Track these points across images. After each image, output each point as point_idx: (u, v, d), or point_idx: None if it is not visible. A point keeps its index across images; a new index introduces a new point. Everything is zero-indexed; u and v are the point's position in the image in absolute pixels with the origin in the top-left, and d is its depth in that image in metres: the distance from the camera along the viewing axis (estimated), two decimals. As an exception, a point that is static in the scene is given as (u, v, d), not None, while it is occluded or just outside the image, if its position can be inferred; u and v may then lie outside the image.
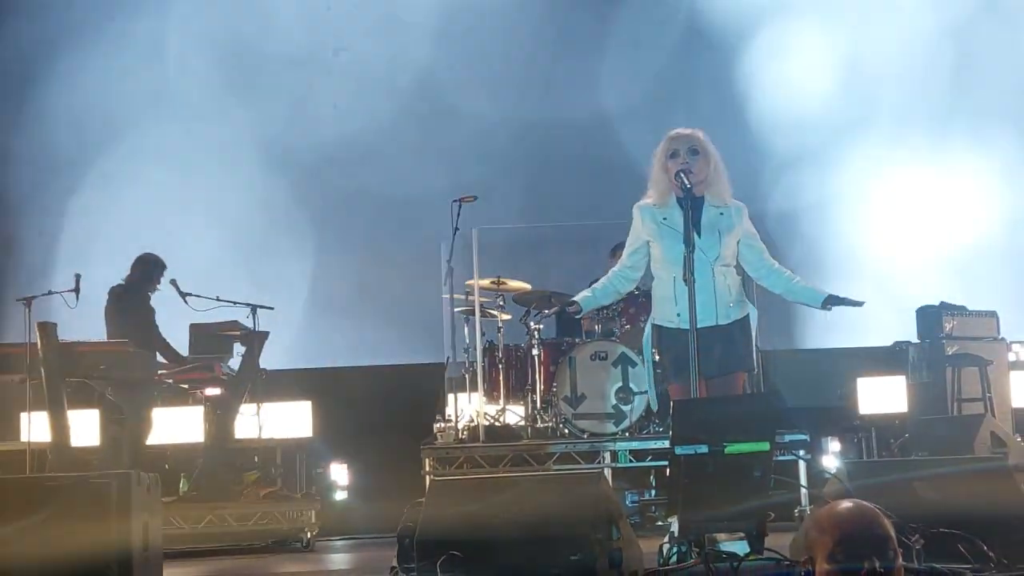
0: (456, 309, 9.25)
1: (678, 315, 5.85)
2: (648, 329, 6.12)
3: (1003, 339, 9.72)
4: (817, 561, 3.34)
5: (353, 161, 11.74)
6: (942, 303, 9.76)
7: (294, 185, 11.62)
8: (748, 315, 6.04)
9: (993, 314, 9.76)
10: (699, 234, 5.85)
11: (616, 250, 9.58)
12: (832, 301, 5.98)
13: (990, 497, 5.12)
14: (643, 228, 6.02)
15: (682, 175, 5.81)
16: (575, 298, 6.29)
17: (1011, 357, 9.82)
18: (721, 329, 5.88)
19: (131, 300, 9.08)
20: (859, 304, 5.94)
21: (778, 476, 5.50)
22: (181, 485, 9.03)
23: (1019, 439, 8.95)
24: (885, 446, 9.76)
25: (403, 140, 11.75)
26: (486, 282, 9.30)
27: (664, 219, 5.94)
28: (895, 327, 10.52)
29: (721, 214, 5.96)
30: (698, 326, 5.73)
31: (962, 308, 9.72)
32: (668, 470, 5.23)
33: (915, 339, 9.84)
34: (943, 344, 9.45)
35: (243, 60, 11.80)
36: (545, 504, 5.07)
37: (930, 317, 9.68)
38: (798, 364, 10.76)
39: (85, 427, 8.63)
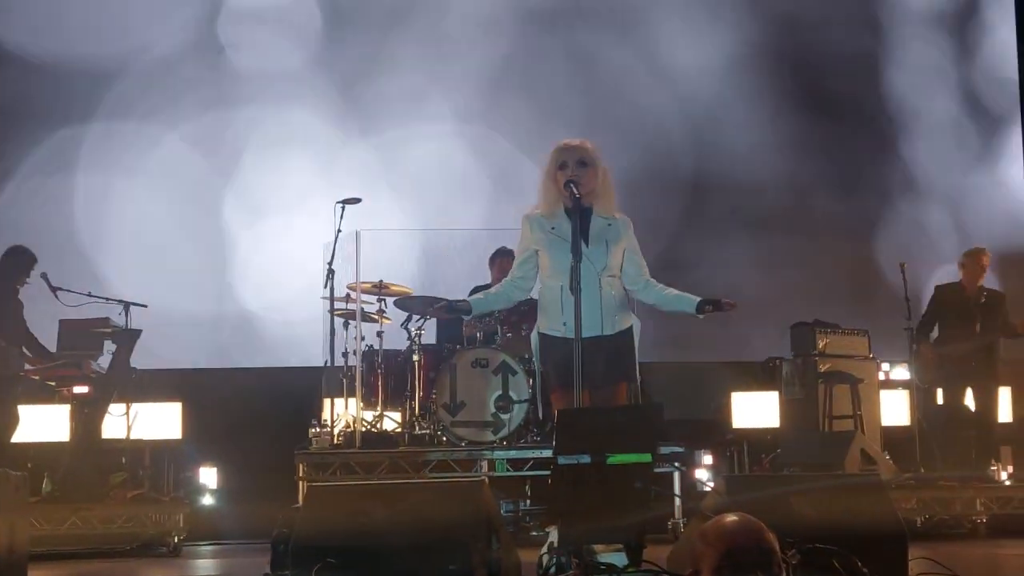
0: (336, 312, 9.13)
1: (564, 324, 5.85)
2: (535, 337, 6.10)
3: (874, 358, 9.92)
4: (703, 573, 3.35)
5: (231, 156, 11.54)
6: (816, 320, 9.93)
7: (177, 177, 11.36)
8: (631, 326, 6.06)
9: (865, 333, 9.96)
10: (587, 244, 5.86)
11: (496, 257, 9.62)
12: (705, 303, 6.00)
13: (864, 513, 5.19)
14: (531, 237, 6.01)
15: (572, 185, 5.81)
16: (467, 299, 6.26)
17: (881, 376, 10.03)
18: (606, 339, 5.88)
19: (-1, 292, 8.81)
20: (732, 306, 5.96)
21: (656, 488, 5.51)
22: (44, 485, 8.75)
23: (887, 456, 9.15)
24: (756, 460, 9.91)
25: (290, 138, 11.58)
26: (368, 285, 9.21)
27: (552, 228, 5.95)
28: (769, 343, 10.69)
29: (609, 225, 5.98)
30: (583, 336, 5.72)
31: (835, 326, 9.90)
32: (550, 479, 5.21)
33: (788, 355, 9.99)
34: (816, 361, 9.61)
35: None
36: (424, 512, 5.01)
37: (804, 334, 9.85)
38: (674, 376, 10.84)
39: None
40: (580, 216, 5.83)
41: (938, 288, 9.70)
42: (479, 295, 6.28)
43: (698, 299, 6.05)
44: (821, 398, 9.54)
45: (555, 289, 5.93)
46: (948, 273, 10.07)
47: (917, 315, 9.52)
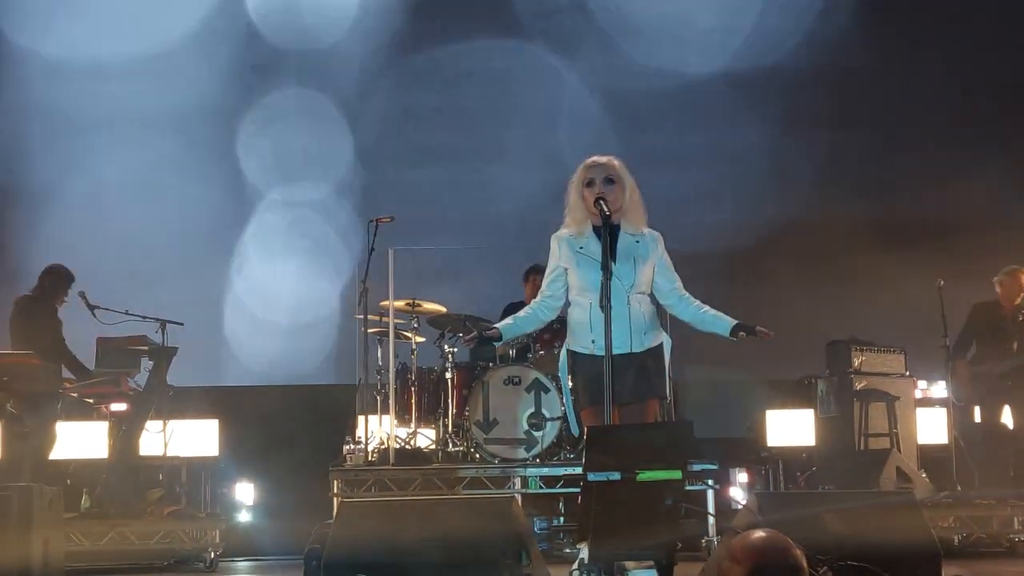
0: (370, 330, 9.17)
1: (593, 342, 5.86)
2: (563, 355, 6.11)
3: (910, 375, 9.86)
4: (730, 590, 3.35)
5: (269, 177, 11.64)
6: (851, 338, 9.88)
7: (208, 199, 11.46)
8: (661, 343, 6.05)
9: (901, 350, 9.89)
10: (615, 261, 5.85)
11: (529, 274, 9.63)
12: (740, 329, 5.99)
13: (897, 531, 5.18)
14: (561, 257, 6.03)
15: (601, 202, 5.82)
16: (496, 325, 6.25)
17: (918, 394, 9.97)
18: (635, 357, 5.87)
19: (38, 311, 8.91)
20: (767, 334, 5.95)
21: (688, 505, 5.51)
22: (83, 501, 8.84)
23: (924, 475, 9.09)
24: (792, 479, 9.86)
25: (320, 158, 11.67)
26: (401, 303, 9.24)
27: (581, 248, 5.96)
28: (804, 361, 10.64)
29: (637, 242, 5.97)
30: (614, 352, 5.72)
31: (870, 343, 9.84)
32: (580, 496, 5.21)
33: (824, 373, 9.95)
34: (851, 379, 9.56)
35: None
36: (456, 528, 5.03)
37: (839, 352, 9.79)
38: (708, 394, 10.83)
39: (-15, 440, 8.46)
40: (609, 233, 5.84)
41: (975, 306, 9.64)
42: (508, 320, 6.25)
43: (733, 322, 6.03)
44: (857, 416, 9.48)
45: (584, 307, 5.93)
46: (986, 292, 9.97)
47: (954, 333, 9.46)
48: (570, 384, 6.08)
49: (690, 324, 6.19)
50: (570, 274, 6.02)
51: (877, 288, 11.34)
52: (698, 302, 6.17)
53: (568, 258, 5.99)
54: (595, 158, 6.03)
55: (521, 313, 6.24)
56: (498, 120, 11.88)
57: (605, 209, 5.80)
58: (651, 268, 6.03)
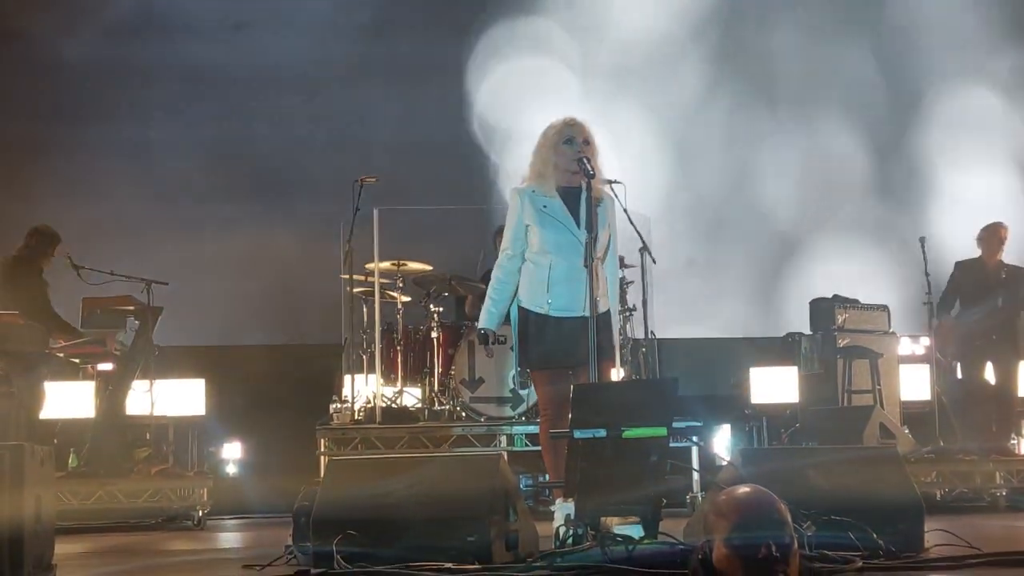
0: (355, 290, 9.18)
1: (548, 303, 5.92)
2: (514, 311, 6.09)
3: (894, 333, 9.92)
4: (715, 544, 3.39)
5: (253, 138, 11.62)
6: (835, 296, 9.93)
7: (193, 160, 11.43)
8: (609, 309, 6.08)
9: (884, 308, 9.95)
10: (578, 225, 5.89)
11: (498, 234, 9.64)
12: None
13: (880, 485, 5.22)
14: (523, 213, 6.00)
15: (585, 161, 5.82)
16: (483, 325, 6.17)
17: (901, 351, 10.03)
18: (586, 320, 5.77)
19: (23, 272, 8.88)
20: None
21: (673, 461, 5.55)
22: (70, 460, 8.86)
23: (906, 430, 9.16)
24: (776, 435, 9.94)
25: (306, 119, 11.65)
26: (386, 263, 9.26)
27: (544, 207, 5.96)
28: (788, 319, 10.71)
29: (599, 206, 5.95)
30: (567, 315, 5.87)
31: (854, 301, 9.90)
32: (566, 453, 5.25)
33: (808, 331, 10.01)
34: (835, 336, 9.62)
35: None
36: (443, 485, 5.06)
37: (823, 309, 9.86)
38: (692, 352, 10.89)
39: (-29, 400, 8.46)
40: (576, 195, 5.87)
41: (958, 264, 9.68)
42: (491, 307, 6.14)
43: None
44: (840, 373, 9.55)
45: (542, 266, 5.95)
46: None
47: (937, 290, 9.51)
48: (518, 342, 6.09)
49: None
50: (530, 231, 6.01)
51: (861, 245, 11.41)
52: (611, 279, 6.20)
53: (531, 215, 5.98)
54: (573, 116, 6.03)
55: (495, 294, 6.13)
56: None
57: (589, 169, 5.80)
58: (608, 234, 6.07)
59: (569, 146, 5.92)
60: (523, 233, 6.04)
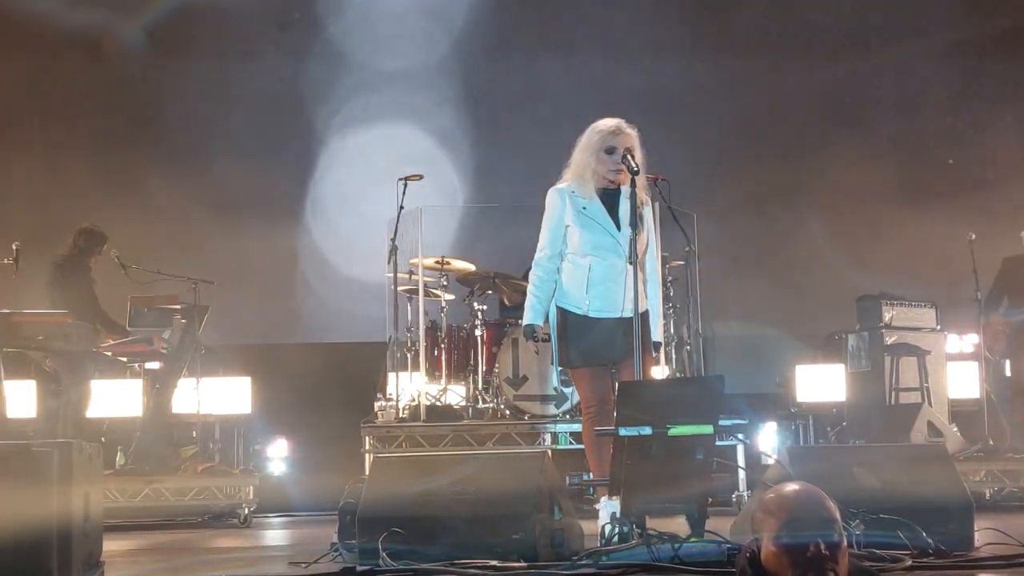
0: (399, 288, 9.20)
1: (588, 303, 5.98)
2: (553, 312, 6.14)
3: (941, 330, 9.82)
4: (763, 542, 3.36)
5: (297, 136, 11.67)
6: (882, 293, 9.84)
7: (235, 161, 11.49)
8: (648, 310, 6.11)
9: (932, 305, 9.85)
10: (619, 228, 5.97)
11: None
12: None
13: (929, 483, 5.18)
14: (564, 212, 6.05)
15: (629, 158, 5.82)
16: (528, 321, 6.18)
17: (949, 348, 9.93)
18: (626, 321, 5.89)
19: (72, 271, 8.98)
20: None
21: (719, 459, 5.53)
22: (118, 458, 8.94)
23: (955, 428, 9.07)
24: (822, 433, 9.86)
25: (349, 117, 11.68)
26: (430, 261, 9.27)
27: (584, 208, 6.03)
28: (835, 316, 10.62)
29: (642, 208, 6.00)
30: (606, 315, 5.95)
31: (901, 298, 9.81)
32: (612, 451, 5.24)
33: (855, 328, 9.92)
34: (882, 334, 9.53)
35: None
36: (488, 483, 5.07)
37: (870, 307, 9.76)
38: (738, 350, 10.84)
39: (21, 398, 8.54)
40: (615, 199, 5.99)
41: (1005, 260, 9.56)
42: (538, 306, 6.17)
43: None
44: (887, 371, 9.45)
45: (582, 267, 6.01)
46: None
47: (986, 287, 9.40)
48: (558, 342, 6.12)
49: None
50: (570, 231, 6.04)
51: (909, 242, 11.29)
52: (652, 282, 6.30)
53: (571, 216, 6.03)
54: (619, 123, 6.03)
55: (540, 287, 6.18)
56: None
57: (634, 165, 5.82)
58: (646, 238, 6.12)
59: (610, 156, 5.96)
60: (562, 233, 6.07)
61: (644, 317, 6.00)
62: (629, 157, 5.85)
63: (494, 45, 11.90)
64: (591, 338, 5.98)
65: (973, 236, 9.16)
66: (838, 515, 3.36)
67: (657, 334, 6.25)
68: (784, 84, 11.96)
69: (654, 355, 6.30)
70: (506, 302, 9.64)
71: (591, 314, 5.96)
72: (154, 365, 9.04)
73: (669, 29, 11.98)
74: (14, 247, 8.15)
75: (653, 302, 6.23)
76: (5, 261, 8.15)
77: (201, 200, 11.24)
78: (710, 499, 5.35)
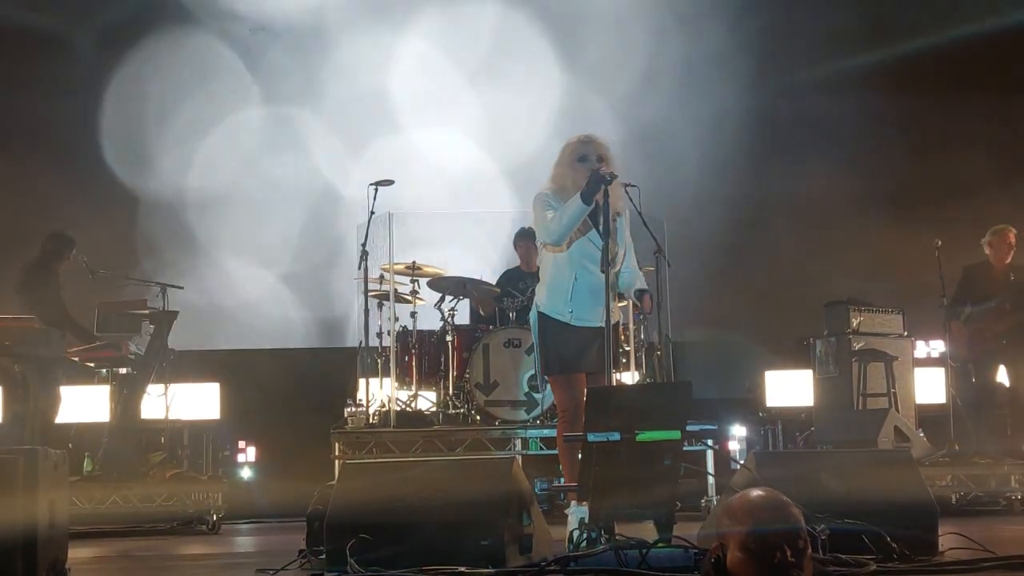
0: (370, 294, 9.20)
1: (570, 312, 6.06)
2: (534, 315, 6.24)
3: (908, 336, 9.88)
4: (729, 549, 3.38)
5: (268, 142, 11.66)
6: (849, 299, 9.89)
7: (210, 164, 11.47)
8: (619, 320, 6.24)
9: (899, 311, 9.91)
10: (602, 238, 5.99)
11: (519, 238, 9.69)
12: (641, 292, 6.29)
13: (895, 488, 5.22)
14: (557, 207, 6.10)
15: (604, 173, 5.88)
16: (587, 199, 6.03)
17: (916, 353, 10.00)
18: (602, 330, 5.98)
19: (40, 276, 8.92)
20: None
21: (687, 464, 5.55)
22: (85, 464, 8.89)
23: (921, 434, 9.13)
24: (791, 438, 9.92)
25: (317, 124, 11.69)
26: (401, 266, 9.27)
27: None
28: (802, 322, 10.68)
29: (615, 221, 6.09)
30: (586, 325, 6.03)
31: (869, 304, 9.86)
32: (580, 456, 5.26)
33: (822, 334, 9.97)
34: (850, 339, 9.58)
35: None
36: (456, 489, 5.07)
37: (838, 313, 9.81)
38: (708, 356, 10.88)
39: (-13, 404, 8.50)
40: (596, 209, 5.98)
41: (966, 268, 9.65)
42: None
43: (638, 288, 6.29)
44: (855, 376, 9.50)
45: (566, 276, 6.08)
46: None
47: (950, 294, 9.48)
48: (540, 347, 6.19)
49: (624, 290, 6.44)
50: None
51: (876, 249, 11.37)
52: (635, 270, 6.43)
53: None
54: (589, 134, 6.17)
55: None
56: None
57: (607, 176, 5.86)
58: (624, 247, 6.24)
59: (583, 163, 6.04)
60: None
61: (615, 328, 6.20)
62: (605, 174, 5.90)
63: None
64: (571, 345, 6.06)
65: (939, 243, 9.23)
66: (802, 520, 3.39)
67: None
68: (758, 93, 12.02)
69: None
70: (480, 311, 9.64)
71: (573, 323, 6.05)
72: (122, 370, 9.00)
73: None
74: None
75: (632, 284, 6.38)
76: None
77: (166, 204, 11.22)
78: (678, 504, 5.36)
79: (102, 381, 9.11)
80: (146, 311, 8.92)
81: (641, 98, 11.74)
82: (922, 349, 10.24)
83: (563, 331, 6.08)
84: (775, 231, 11.78)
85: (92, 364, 9.03)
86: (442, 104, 11.83)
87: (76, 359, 8.84)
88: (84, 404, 9.07)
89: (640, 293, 6.25)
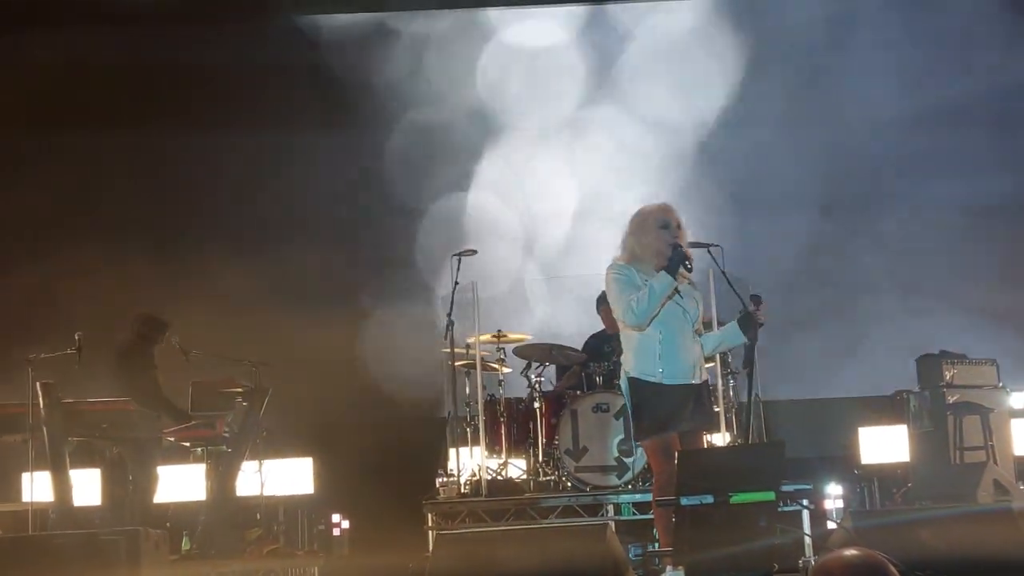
0: (457, 363, 9.24)
1: (660, 371, 6.13)
2: (625, 382, 6.30)
3: (1003, 386, 9.72)
4: (827, 609, 3.34)
5: (355, 215, 11.84)
6: (942, 351, 9.77)
7: (293, 240, 11.64)
8: (708, 378, 6.41)
9: (993, 362, 9.77)
10: (681, 295, 6.23)
11: (602, 302, 9.68)
12: (744, 322, 6.24)
13: (995, 543, 5.13)
14: (635, 278, 6.22)
15: (686, 252, 6.14)
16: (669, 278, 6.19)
17: (1012, 404, 9.82)
18: (694, 388, 6.19)
19: (135, 358, 9.10)
20: (759, 300, 6.20)
21: (783, 525, 5.51)
22: (184, 543, 8.99)
23: (1022, 486, 8.95)
24: (888, 495, 9.76)
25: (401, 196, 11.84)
26: (487, 335, 9.32)
27: (646, 282, 6.19)
28: (896, 376, 10.54)
29: (690, 283, 6.39)
30: (678, 382, 6.13)
31: (962, 356, 9.73)
32: (674, 520, 5.24)
33: (916, 388, 9.85)
34: (944, 393, 9.45)
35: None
36: (552, 557, 5.08)
37: (930, 366, 9.69)
38: (800, 414, 10.77)
39: (87, 486, 8.63)
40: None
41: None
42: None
43: (734, 323, 6.34)
44: (951, 430, 9.36)
45: (652, 337, 6.17)
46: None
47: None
48: (633, 411, 6.24)
49: (715, 351, 6.78)
50: None
51: (967, 300, 11.20)
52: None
53: (639, 287, 6.16)
54: (666, 204, 6.39)
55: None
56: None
57: (690, 266, 6.14)
58: (700, 307, 6.43)
59: (666, 231, 6.20)
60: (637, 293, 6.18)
61: (706, 387, 6.32)
62: (679, 229, 6.20)
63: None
64: (664, 406, 6.12)
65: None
66: (901, 579, 3.35)
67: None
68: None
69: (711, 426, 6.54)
70: (563, 360, 9.66)
71: (665, 381, 6.12)
72: (217, 448, 9.11)
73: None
74: (76, 337, 8.27)
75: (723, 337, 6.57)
76: (68, 351, 8.26)
77: (260, 283, 11.38)
78: (775, 566, 5.31)
79: (197, 460, 9.22)
80: (239, 388, 9.05)
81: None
82: (1018, 399, 10.02)
83: (656, 392, 6.12)
84: (862, 282, 11.65)
85: (187, 443, 9.16)
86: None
87: (172, 439, 8.98)
88: (181, 483, 9.17)
89: (756, 299, 6.26)
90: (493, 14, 12.10)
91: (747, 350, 6.25)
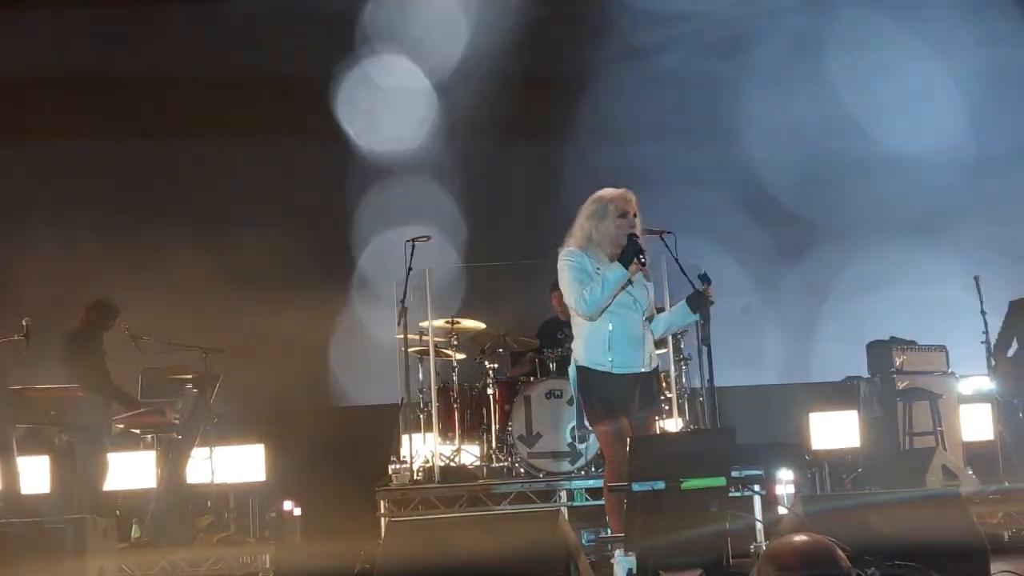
0: (410, 349, 9.22)
1: (610, 360, 6.14)
2: (574, 370, 6.31)
3: (953, 373, 9.81)
4: (776, 594, 3.36)
5: (305, 203, 11.76)
6: (892, 338, 9.85)
7: (245, 227, 11.56)
8: (658, 365, 6.43)
9: (943, 348, 9.86)
10: (632, 283, 6.23)
11: (555, 288, 9.68)
12: (693, 300, 6.26)
13: (944, 528, 5.17)
14: (588, 265, 6.22)
15: (640, 244, 6.15)
16: (622, 268, 6.17)
17: (961, 391, 9.91)
18: (644, 375, 6.23)
19: (84, 345, 9.01)
20: (707, 279, 6.23)
21: (734, 511, 5.53)
22: (133, 531, 8.92)
23: (970, 471, 9.04)
24: (838, 481, 9.83)
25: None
26: (440, 322, 9.30)
27: (598, 270, 6.20)
28: (845, 362, 10.61)
29: (645, 274, 6.39)
30: (627, 371, 6.15)
31: (912, 343, 9.81)
32: (626, 506, 5.25)
33: (866, 374, 9.92)
34: (894, 379, 9.53)
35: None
36: (503, 544, 5.07)
37: (880, 352, 9.77)
38: (751, 400, 10.82)
39: (35, 474, 8.55)
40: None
41: (1013, 303, 9.57)
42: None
43: (683, 302, 6.34)
44: (901, 416, 9.45)
45: (602, 326, 6.18)
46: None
47: (993, 329, 9.39)
48: (582, 399, 6.27)
49: (666, 333, 6.82)
50: None
51: (915, 286, 11.29)
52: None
53: (591, 275, 6.17)
54: (625, 192, 6.32)
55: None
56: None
57: (642, 255, 6.14)
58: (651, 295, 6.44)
59: (624, 219, 6.21)
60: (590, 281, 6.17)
61: (656, 374, 6.37)
62: (635, 218, 6.20)
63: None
64: (614, 394, 6.14)
65: (980, 276, 9.18)
66: (849, 567, 3.37)
67: None
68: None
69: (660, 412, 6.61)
70: (515, 345, 9.65)
71: (614, 370, 6.14)
72: (167, 435, 9.05)
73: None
74: (24, 323, 8.17)
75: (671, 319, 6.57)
76: (16, 337, 8.16)
77: (211, 270, 11.29)
78: (727, 552, 5.33)
79: (147, 447, 9.16)
80: (189, 375, 8.99)
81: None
82: (966, 385, 10.12)
83: (605, 380, 6.15)
84: (813, 269, 11.73)
85: (137, 431, 9.09)
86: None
87: (121, 426, 8.91)
88: (131, 470, 9.10)
89: (704, 278, 6.28)
90: None
91: (701, 328, 6.22)
